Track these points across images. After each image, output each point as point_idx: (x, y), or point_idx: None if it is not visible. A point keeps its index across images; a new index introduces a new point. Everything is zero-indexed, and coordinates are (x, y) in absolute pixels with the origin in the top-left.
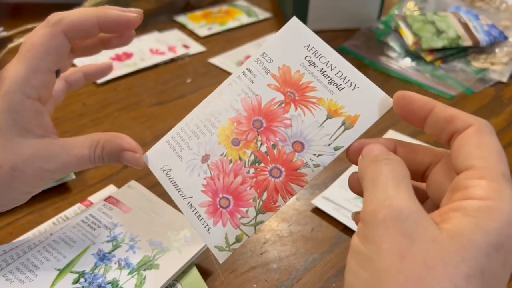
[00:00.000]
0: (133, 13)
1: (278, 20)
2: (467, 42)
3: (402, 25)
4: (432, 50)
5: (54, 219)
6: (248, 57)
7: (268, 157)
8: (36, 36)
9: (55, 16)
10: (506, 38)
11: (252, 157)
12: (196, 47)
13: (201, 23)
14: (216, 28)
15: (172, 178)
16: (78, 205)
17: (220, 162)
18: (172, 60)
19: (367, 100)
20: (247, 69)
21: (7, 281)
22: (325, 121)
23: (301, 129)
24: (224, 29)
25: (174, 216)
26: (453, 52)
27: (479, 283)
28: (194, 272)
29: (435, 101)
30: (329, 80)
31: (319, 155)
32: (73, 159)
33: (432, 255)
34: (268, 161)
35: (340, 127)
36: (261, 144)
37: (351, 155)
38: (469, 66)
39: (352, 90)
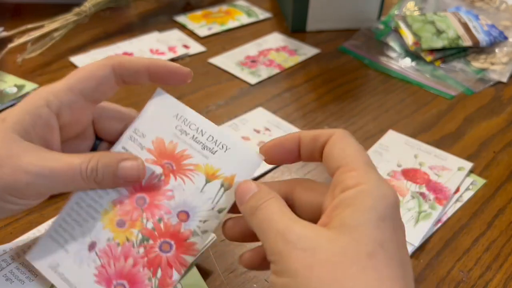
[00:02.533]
0: (186, 70)
1: (278, 20)
2: (467, 42)
3: (402, 25)
4: (432, 50)
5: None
6: (248, 57)
7: (155, 233)
8: (87, 65)
9: (112, 55)
10: (506, 38)
11: (140, 236)
12: (196, 47)
13: (201, 23)
14: (216, 28)
15: (62, 274)
16: None
17: (108, 248)
18: (172, 60)
19: (239, 159)
20: (122, 147)
21: (7, 281)
22: (205, 185)
23: (184, 198)
24: (224, 29)
25: None
26: (453, 52)
27: (382, 254)
28: (194, 272)
29: (298, 132)
30: (202, 146)
31: (205, 221)
32: (61, 165)
33: (334, 252)
34: (156, 237)
35: (220, 189)
36: (147, 221)
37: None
38: (469, 66)
39: (225, 152)
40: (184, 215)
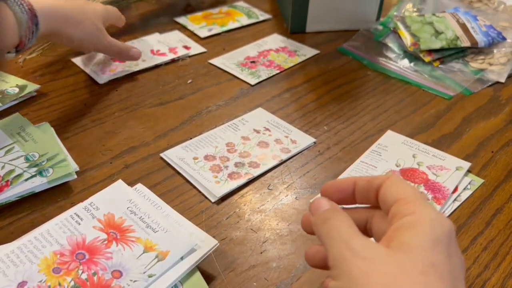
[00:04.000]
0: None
1: (278, 22)
2: (465, 43)
3: (400, 26)
4: (430, 51)
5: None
6: (248, 58)
7: (88, 283)
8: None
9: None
10: (504, 39)
11: (72, 283)
12: (196, 48)
13: (201, 24)
14: (216, 29)
15: None
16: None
17: None
18: (173, 61)
19: (175, 240)
20: (75, 213)
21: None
22: (141, 254)
23: (121, 260)
24: (224, 30)
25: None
26: (452, 52)
27: (433, 274)
28: (195, 271)
29: (354, 177)
30: (146, 225)
31: (135, 281)
32: (120, 45)
33: (390, 266)
34: (88, 287)
35: (154, 259)
36: (82, 272)
37: (304, 225)
38: (467, 66)
39: (165, 233)
40: (118, 273)
